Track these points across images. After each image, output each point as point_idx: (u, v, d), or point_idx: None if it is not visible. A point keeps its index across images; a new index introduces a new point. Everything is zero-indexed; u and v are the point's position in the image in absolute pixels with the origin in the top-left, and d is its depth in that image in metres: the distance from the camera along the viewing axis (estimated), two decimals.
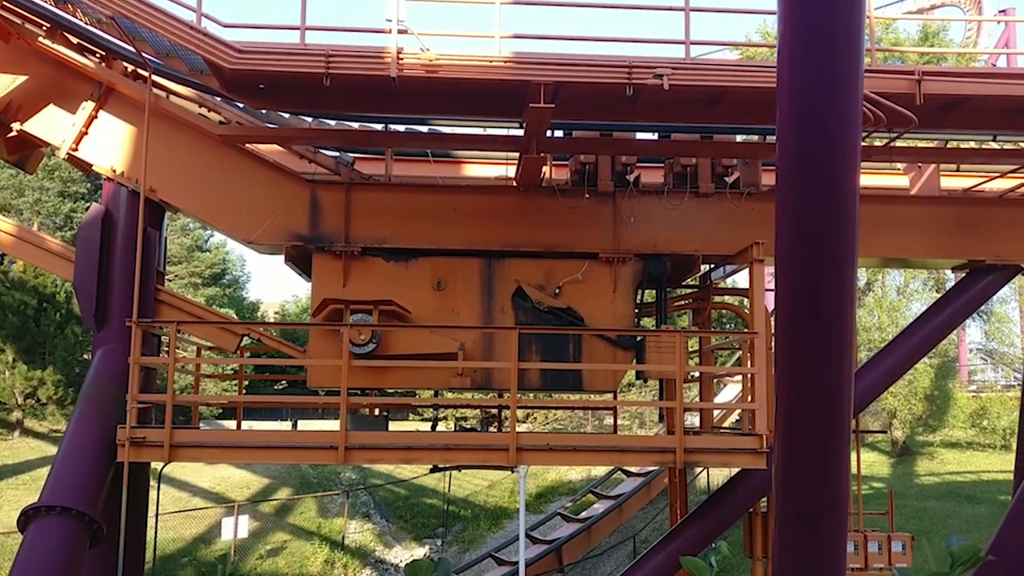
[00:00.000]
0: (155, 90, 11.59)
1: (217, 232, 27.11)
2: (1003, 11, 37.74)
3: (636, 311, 12.48)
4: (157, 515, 12.68)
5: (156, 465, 11.78)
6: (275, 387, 35.51)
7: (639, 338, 11.98)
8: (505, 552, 22.25)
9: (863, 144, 10.32)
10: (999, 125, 11.44)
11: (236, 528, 21.57)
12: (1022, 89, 10.62)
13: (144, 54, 10.70)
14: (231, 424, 21.95)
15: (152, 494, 12.55)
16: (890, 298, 34.88)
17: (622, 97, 10.13)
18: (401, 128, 12.49)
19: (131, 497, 10.45)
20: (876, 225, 12.45)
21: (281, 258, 12.31)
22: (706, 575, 2.26)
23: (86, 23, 11.14)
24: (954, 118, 11.06)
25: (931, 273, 33.80)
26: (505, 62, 9.95)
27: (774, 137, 6.69)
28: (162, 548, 20.92)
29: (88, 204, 28.82)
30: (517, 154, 11.79)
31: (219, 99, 12.24)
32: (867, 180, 14.39)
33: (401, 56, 9.85)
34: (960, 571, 2.07)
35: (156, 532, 12.69)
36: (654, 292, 13.01)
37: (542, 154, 11.15)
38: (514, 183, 12.29)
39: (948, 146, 13.54)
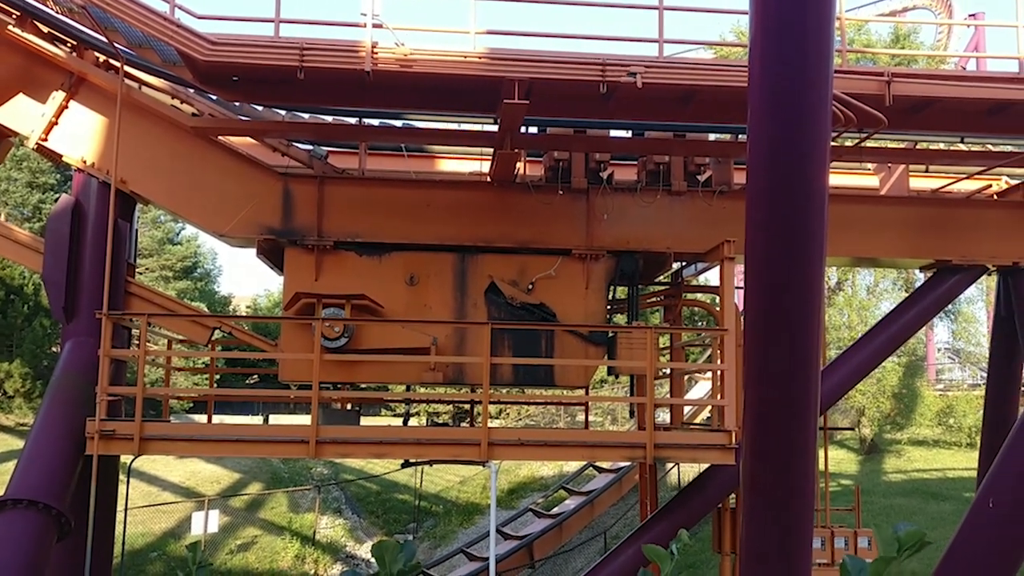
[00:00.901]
0: (127, 81, 11.50)
1: (189, 225, 26.93)
2: (972, 15, 38.21)
3: (608, 307, 12.54)
4: (126, 509, 12.62)
5: (125, 459, 11.72)
6: (247, 381, 35.35)
7: (611, 334, 12.05)
8: (476, 548, 22.33)
9: (833, 144, 10.43)
10: (967, 127, 11.60)
11: (206, 523, 21.49)
12: (989, 92, 10.78)
13: (116, 44, 10.61)
14: (202, 418, 21.81)
15: (121, 488, 12.47)
16: (860, 297, 35.25)
17: (596, 94, 10.18)
18: (375, 122, 12.48)
19: (100, 491, 10.38)
20: (846, 224, 12.58)
21: (253, 252, 12.26)
22: (667, 563, 2.31)
23: (57, 12, 11.02)
24: (923, 119, 11.20)
25: (900, 273, 34.16)
26: (480, 58, 9.96)
27: (746, 136, 6.75)
28: (131, 543, 20.76)
29: (57, 195, 28.51)
30: (491, 150, 11.82)
31: (192, 91, 12.17)
32: (837, 180, 14.53)
33: (376, 50, 9.84)
34: (907, 556, 2.13)
35: (125, 526, 12.62)
36: (626, 289, 13.09)
37: (516, 150, 11.18)
38: (488, 179, 12.32)
39: (917, 147, 13.71)
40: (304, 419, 10.70)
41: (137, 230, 12.76)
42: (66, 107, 11.57)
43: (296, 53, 9.81)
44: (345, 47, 9.94)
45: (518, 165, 12.11)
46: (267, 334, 18.88)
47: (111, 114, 11.26)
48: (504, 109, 9.99)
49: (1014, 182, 13.99)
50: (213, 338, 12.44)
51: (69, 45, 11.62)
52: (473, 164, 14.03)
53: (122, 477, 12.68)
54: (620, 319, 14.06)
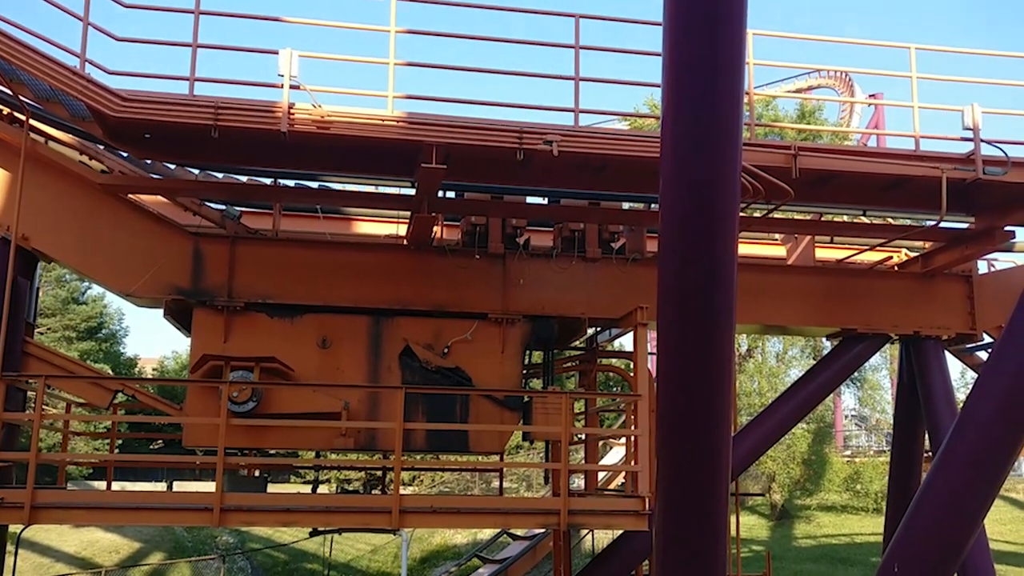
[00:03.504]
0: (33, 135, 11.19)
1: (94, 284, 26.18)
2: (873, 95, 40.14)
3: (524, 372, 12.52)
4: None
5: (15, 528, 11.12)
6: (150, 446, 34.16)
7: (526, 399, 12.01)
8: None
9: (742, 215, 10.72)
10: (868, 201, 12.04)
11: None
12: (889, 167, 11.23)
13: (22, 97, 10.33)
14: (102, 484, 20.94)
15: (8, 559, 11.80)
16: (769, 364, 36.02)
17: (513, 161, 10.28)
18: (291, 183, 12.35)
19: None
20: (755, 293, 12.87)
21: (161, 312, 11.92)
22: None
23: None
24: (827, 193, 11.60)
25: (809, 341, 35.05)
26: (397, 121, 9.98)
27: (658, 205, 6.87)
28: None
29: None
30: (408, 213, 11.80)
31: (102, 147, 11.88)
32: (746, 249, 14.90)
33: (292, 111, 9.78)
34: None
35: None
36: (542, 353, 13.10)
37: (433, 214, 11.19)
38: (404, 242, 12.28)
39: (823, 219, 14.17)
40: (210, 486, 10.31)
41: (39, 288, 12.31)
42: None
43: (211, 112, 9.69)
44: (261, 107, 9.86)
45: (435, 229, 12.11)
46: (173, 398, 18.31)
47: (14, 168, 10.90)
48: (422, 173, 10.01)
49: (913, 254, 14.54)
50: (116, 401, 11.98)
51: None
52: (390, 227, 13.98)
53: (10, 548, 12.01)
54: (536, 384, 14.03)
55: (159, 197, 12.52)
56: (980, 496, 9.40)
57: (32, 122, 10.91)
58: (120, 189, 11.55)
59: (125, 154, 11.87)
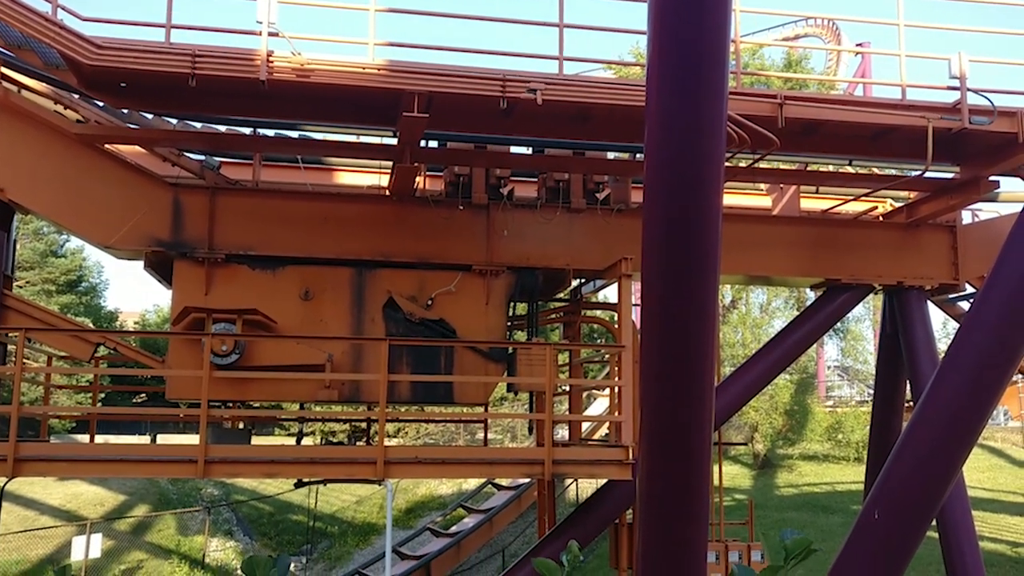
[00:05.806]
0: (5, 84, 10.95)
1: (73, 236, 25.92)
2: (860, 44, 39.91)
3: (508, 324, 12.49)
4: None
5: None
6: (133, 400, 34.11)
7: (510, 351, 12.00)
8: (372, 569, 21.97)
9: (728, 164, 10.64)
10: (854, 150, 11.98)
11: (88, 548, 20.54)
12: (875, 117, 11.15)
13: None
14: (86, 438, 20.94)
15: None
16: (753, 315, 36.18)
17: (496, 110, 10.15)
18: (270, 133, 12.18)
19: None
20: (740, 243, 12.85)
21: (141, 264, 11.80)
22: (557, 575, 2.24)
23: None
24: (813, 142, 11.53)
25: (792, 292, 35.19)
26: (379, 69, 9.81)
27: (643, 155, 6.79)
28: (3, 571, 19.71)
29: None
30: (390, 163, 11.66)
31: (77, 96, 11.66)
32: (732, 200, 14.84)
33: (271, 59, 9.59)
34: (794, 564, 2.10)
35: None
36: (526, 305, 13.07)
37: (415, 164, 11.06)
38: (387, 193, 12.15)
39: (808, 169, 14.10)
40: (193, 438, 10.29)
41: (16, 240, 12.15)
42: None
43: (188, 60, 9.49)
44: (239, 55, 9.66)
45: (418, 179, 11.99)
46: (156, 351, 18.21)
47: None
48: (403, 122, 9.86)
49: (898, 204, 14.52)
50: (98, 355, 11.90)
51: None
52: (372, 177, 13.83)
53: None
54: (520, 336, 14.01)
55: (137, 147, 12.33)
56: (959, 445, 9.47)
57: (4, 70, 10.69)
58: (96, 139, 11.35)
59: (101, 103, 11.64)
